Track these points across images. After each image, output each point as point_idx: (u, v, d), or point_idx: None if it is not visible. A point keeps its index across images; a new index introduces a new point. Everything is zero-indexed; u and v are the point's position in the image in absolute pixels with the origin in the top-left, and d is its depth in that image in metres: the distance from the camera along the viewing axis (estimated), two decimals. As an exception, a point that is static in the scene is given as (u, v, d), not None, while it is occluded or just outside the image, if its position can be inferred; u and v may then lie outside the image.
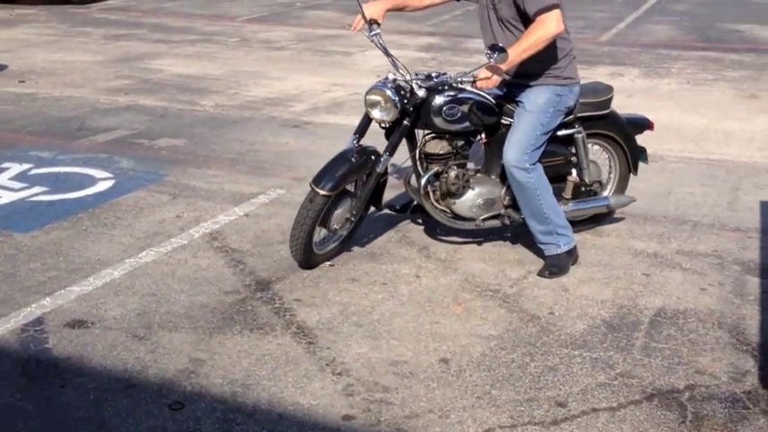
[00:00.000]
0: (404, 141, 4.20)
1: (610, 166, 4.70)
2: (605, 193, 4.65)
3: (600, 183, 4.60)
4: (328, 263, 4.23)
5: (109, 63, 9.16)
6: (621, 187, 4.70)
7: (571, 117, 4.26)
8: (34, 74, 8.57)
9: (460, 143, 4.21)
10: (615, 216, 4.79)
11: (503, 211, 4.31)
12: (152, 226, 4.68)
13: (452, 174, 4.14)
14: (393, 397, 3.13)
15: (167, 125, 6.77)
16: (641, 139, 4.74)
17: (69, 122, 6.81)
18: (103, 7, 13.46)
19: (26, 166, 5.65)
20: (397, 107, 4.00)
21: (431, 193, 4.21)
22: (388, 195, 4.62)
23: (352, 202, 4.18)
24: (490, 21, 4.05)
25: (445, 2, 4.46)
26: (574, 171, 4.41)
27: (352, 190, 4.21)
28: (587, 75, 7.60)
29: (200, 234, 4.59)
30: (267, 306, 3.80)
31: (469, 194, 4.22)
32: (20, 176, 5.44)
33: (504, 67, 3.79)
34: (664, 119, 6.47)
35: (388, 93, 3.98)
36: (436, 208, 4.25)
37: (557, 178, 4.36)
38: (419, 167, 4.22)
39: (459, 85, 4.04)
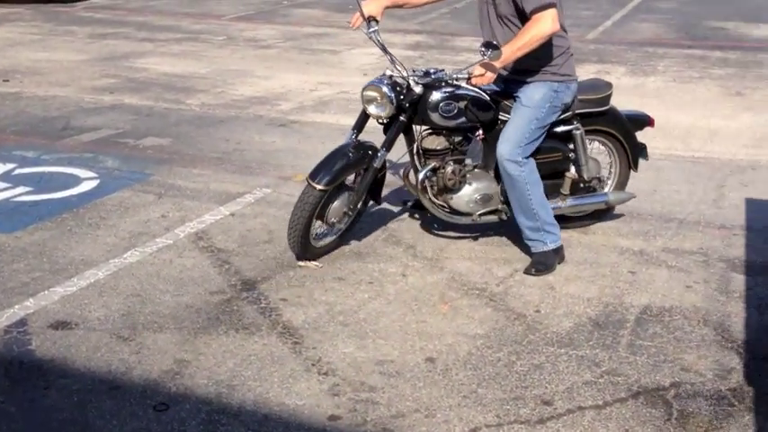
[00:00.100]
0: (402, 137, 4.25)
1: (610, 163, 4.72)
2: (605, 190, 4.68)
3: (599, 179, 4.63)
4: (316, 263, 4.22)
5: (94, 62, 9.11)
6: (622, 183, 4.73)
7: (569, 114, 4.29)
8: (18, 73, 8.51)
9: (458, 139, 4.25)
10: (601, 214, 4.79)
11: (500, 207, 4.34)
12: (137, 226, 4.66)
13: (449, 169, 4.17)
14: (379, 396, 3.12)
15: (153, 124, 6.74)
16: (641, 136, 4.75)
17: (54, 122, 6.77)
18: (89, 6, 13.39)
19: (10, 165, 5.61)
20: (392, 103, 4.04)
21: (428, 189, 4.24)
22: (386, 191, 4.65)
23: (350, 197, 4.21)
24: (489, 16, 4.09)
25: None
26: (572, 167, 4.44)
27: (350, 184, 4.25)
28: (574, 73, 7.60)
29: (186, 234, 4.57)
30: (253, 306, 3.78)
31: (467, 190, 4.25)
32: (3, 176, 5.40)
33: (498, 64, 3.83)
34: (650, 117, 6.49)
35: (384, 89, 4.04)
36: (434, 203, 4.29)
37: (555, 174, 4.40)
38: (417, 163, 4.26)
39: (455, 82, 4.07)
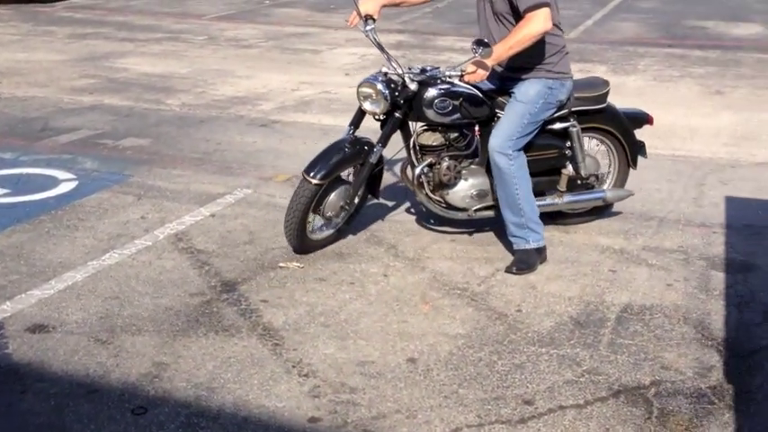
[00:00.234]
0: (400, 134, 4.30)
1: (609, 160, 4.74)
2: (604, 187, 4.70)
3: (597, 176, 4.65)
4: (297, 264, 4.20)
5: (74, 62, 9.03)
6: (621, 181, 4.75)
7: (565, 111, 4.33)
8: (-4, 73, 8.43)
9: (453, 135, 4.30)
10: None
11: (494, 203, 4.36)
12: (116, 227, 4.61)
13: (444, 165, 4.23)
14: (360, 398, 3.11)
15: (132, 125, 6.68)
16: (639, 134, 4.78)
17: (32, 123, 6.70)
18: (68, 6, 13.28)
19: (-13, 167, 5.56)
20: (387, 99, 4.10)
21: (425, 184, 4.29)
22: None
23: (347, 191, 4.26)
24: (486, 13, 4.15)
25: None
26: (569, 164, 4.47)
27: (347, 179, 4.30)
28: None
29: (165, 235, 4.53)
30: (233, 308, 3.76)
31: (462, 185, 4.31)
32: (-20, 178, 5.34)
33: (490, 61, 3.88)
34: (630, 115, 6.51)
35: (379, 86, 4.10)
36: (430, 198, 4.34)
37: (552, 171, 4.45)
38: (413, 159, 4.31)
39: (448, 79, 4.13)
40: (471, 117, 4.24)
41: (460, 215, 4.38)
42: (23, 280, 3.96)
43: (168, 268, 4.13)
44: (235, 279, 4.03)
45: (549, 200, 4.49)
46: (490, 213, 4.38)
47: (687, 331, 3.62)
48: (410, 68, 4.18)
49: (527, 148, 4.22)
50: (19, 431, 2.87)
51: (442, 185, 4.28)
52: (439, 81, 4.15)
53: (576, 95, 4.34)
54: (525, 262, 4.18)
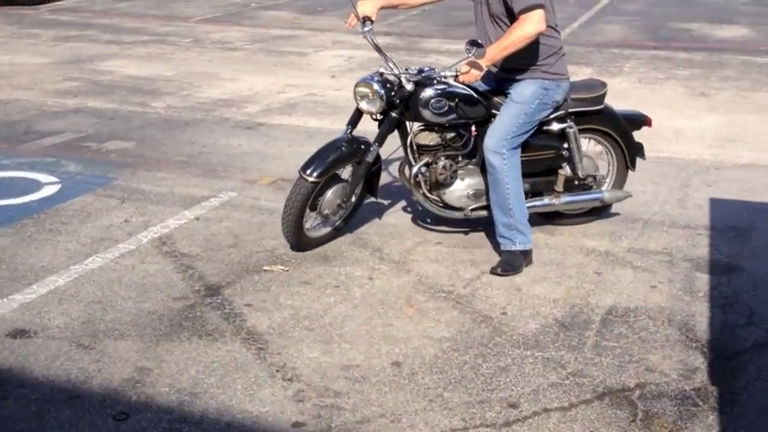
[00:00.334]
0: (398, 134, 4.36)
1: (607, 162, 4.76)
2: (604, 188, 4.72)
3: (594, 177, 4.67)
4: (282, 267, 4.18)
5: (58, 65, 8.98)
6: (619, 182, 4.77)
7: (562, 112, 4.36)
8: (-21, 76, 8.36)
9: (450, 135, 4.34)
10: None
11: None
12: (99, 231, 4.58)
13: (440, 164, 4.28)
14: (344, 402, 3.09)
15: (117, 128, 6.64)
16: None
17: (15, 126, 6.65)
18: (53, 8, 13.20)
19: (-31, 171, 5.51)
20: (382, 99, 4.16)
21: (422, 183, 4.33)
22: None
23: (343, 189, 4.32)
24: (483, 15, 4.20)
25: (439, 0, 4.56)
26: (566, 165, 4.49)
27: (344, 177, 4.35)
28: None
29: (149, 239, 4.50)
30: (217, 312, 3.73)
31: (459, 185, 4.36)
32: (-38, 182, 5.30)
33: (485, 62, 3.93)
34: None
35: (375, 86, 4.15)
36: (428, 198, 4.39)
37: (549, 171, 4.49)
38: (410, 158, 4.35)
39: (444, 80, 4.18)
40: (467, 117, 4.29)
41: (457, 214, 4.42)
42: (5, 284, 3.92)
43: (152, 272, 4.10)
44: (219, 283, 4.01)
45: (546, 200, 4.52)
46: (486, 213, 4.41)
47: (672, 333, 3.63)
48: (407, 69, 4.24)
49: (524, 148, 4.26)
50: (-1, 438, 2.85)
51: (439, 185, 4.33)
52: (435, 81, 4.20)
53: (573, 97, 4.37)
54: (510, 264, 4.18)
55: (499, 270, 4.15)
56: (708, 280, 4.13)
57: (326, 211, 4.32)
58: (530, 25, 3.91)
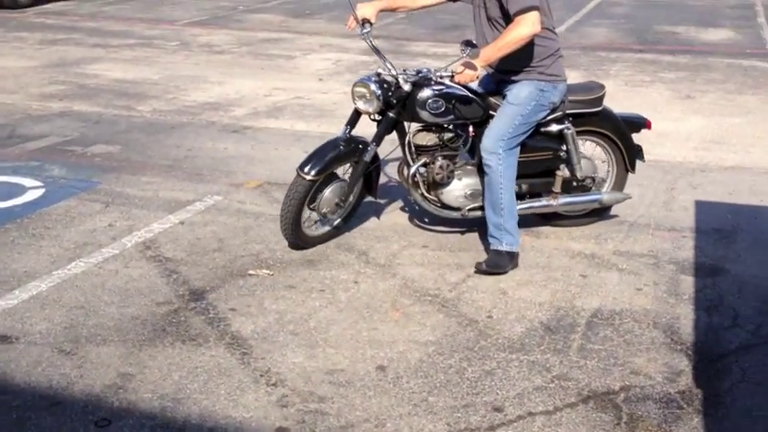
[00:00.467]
0: (396, 134, 4.41)
1: (606, 164, 4.77)
2: (604, 189, 4.73)
3: (593, 179, 4.68)
4: (267, 271, 4.16)
5: (44, 68, 8.92)
6: (619, 184, 4.78)
7: (559, 114, 4.38)
8: (-36, 80, 8.30)
9: (448, 136, 4.37)
10: (539, 220, 4.79)
11: None
12: (83, 236, 4.55)
13: (437, 164, 4.31)
14: (328, 407, 3.08)
15: (102, 131, 6.60)
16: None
17: (-1, 130, 6.61)
18: (40, 11, 13.12)
19: (-48, 175, 5.46)
20: (379, 99, 4.21)
21: (420, 183, 4.36)
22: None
23: (341, 188, 4.37)
24: (480, 18, 4.24)
25: (439, 3, 4.60)
26: (564, 166, 4.52)
27: (342, 176, 4.40)
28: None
29: (133, 243, 4.47)
30: (201, 316, 3.71)
31: (456, 185, 4.40)
32: (-55, 186, 5.25)
33: (480, 63, 3.98)
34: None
35: (372, 86, 4.21)
36: (426, 198, 4.43)
37: (547, 173, 4.51)
38: (409, 158, 4.38)
39: (439, 80, 4.23)
40: (464, 118, 4.32)
41: (454, 214, 4.46)
42: (-13, 290, 3.89)
43: (135, 277, 4.07)
44: (203, 287, 3.98)
45: (544, 201, 4.54)
46: (483, 213, 4.40)
47: (656, 336, 3.63)
48: (405, 70, 4.28)
49: (522, 149, 4.29)
50: (-21, 445, 2.82)
51: (437, 185, 4.37)
52: (433, 82, 4.24)
53: (571, 99, 4.40)
54: (496, 263, 4.19)
55: (483, 266, 4.18)
56: (693, 282, 4.13)
57: (325, 210, 4.36)
58: (524, 27, 3.94)
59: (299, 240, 4.36)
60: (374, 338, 3.57)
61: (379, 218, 4.89)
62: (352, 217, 4.60)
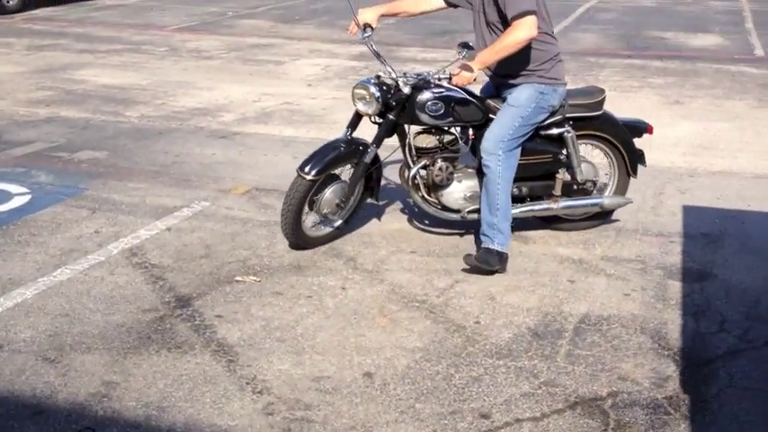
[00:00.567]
0: (397, 137, 4.45)
1: (608, 168, 4.78)
2: (606, 194, 4.73)
3: (594, 182, 4.68)
4: (254, 278, 4.14)
5: (31, 74, 8.88)
6: (621, 189, 4.79)
7: (559, 117, 4.41)
8: (-50, 86, 8.25)
9: (448, 138, 4.40)
10: (539, 223, 4.80)
11: None
12: (68, 242, 4.51)
13: (437, 166, 4.34)
14: (315, 414, 3.06)
15: (89, 137, 6.57)
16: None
17: (-15, 136, 6.56)
18: (28, 17, 13.08)
19: (-63, 182, 5.41)
20: (378, 101, 4.27)
21: (420, 185, 4.39)
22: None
23: (342, 189, 4.41)
24: (481, 24, 4.28)
25: (440, 8, 4.62)
26: (564, 169, 4.53)
27: (342, 177, 4.43)
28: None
29: (119, 250, 4.44)
30: (187, 323, 3.68)
31: (456, 187, 4.43)
32: (-71, 193, 5.21)
33: (476, 65, 4.04)
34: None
35: (372, 88, 4.27)
36: (426, 200, 4.46)
37: (547, 176, 4.53)
38: (409, 160, 4.41)
39: (437, 82, 4.27)
40: (463, 120, 4.36)
41: (454, 216, 4.48)
42: (-30, 298, 3.85)
43: (121, 284, 4.04)
44: (189, 294, 3.96)
45: (544, 204, 4.55)
46: None
47: (644, 341, 3.63)
48: (405, 74, 4.33)
49: (522, 152, 4.31)
50: (-39, 455, 2.78)
51: (437, 187, 4.40)
52: (432, 85, 4.27)
53: (571, 103, 4.42)
54: (485, 259, 4.21)
55: (473, 259, 4.21)
56: (680, 287, 4.13)
57: (325, 210, 4.39)
58: (521, 31, 3.98)
59: (299, 240, 4.38)
60: (361, 345, 3.55)
61: (369, 222, 4.87)
62: (353, 218, 4.61)
